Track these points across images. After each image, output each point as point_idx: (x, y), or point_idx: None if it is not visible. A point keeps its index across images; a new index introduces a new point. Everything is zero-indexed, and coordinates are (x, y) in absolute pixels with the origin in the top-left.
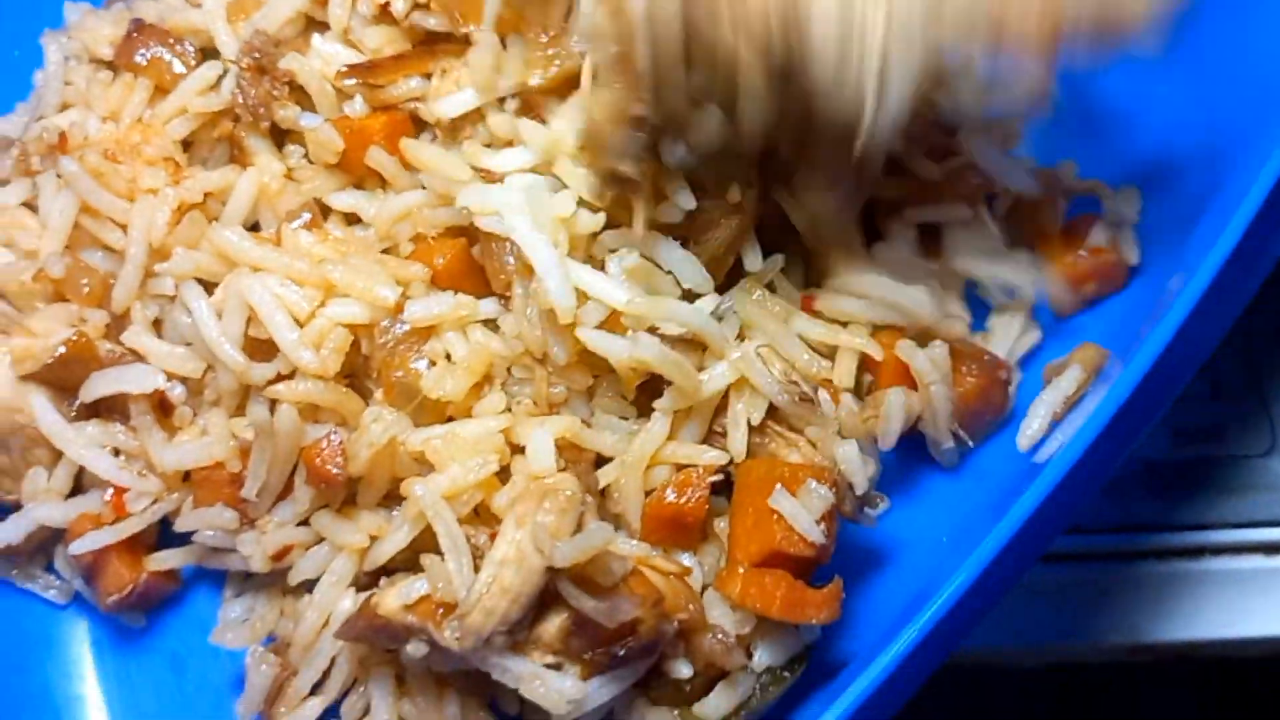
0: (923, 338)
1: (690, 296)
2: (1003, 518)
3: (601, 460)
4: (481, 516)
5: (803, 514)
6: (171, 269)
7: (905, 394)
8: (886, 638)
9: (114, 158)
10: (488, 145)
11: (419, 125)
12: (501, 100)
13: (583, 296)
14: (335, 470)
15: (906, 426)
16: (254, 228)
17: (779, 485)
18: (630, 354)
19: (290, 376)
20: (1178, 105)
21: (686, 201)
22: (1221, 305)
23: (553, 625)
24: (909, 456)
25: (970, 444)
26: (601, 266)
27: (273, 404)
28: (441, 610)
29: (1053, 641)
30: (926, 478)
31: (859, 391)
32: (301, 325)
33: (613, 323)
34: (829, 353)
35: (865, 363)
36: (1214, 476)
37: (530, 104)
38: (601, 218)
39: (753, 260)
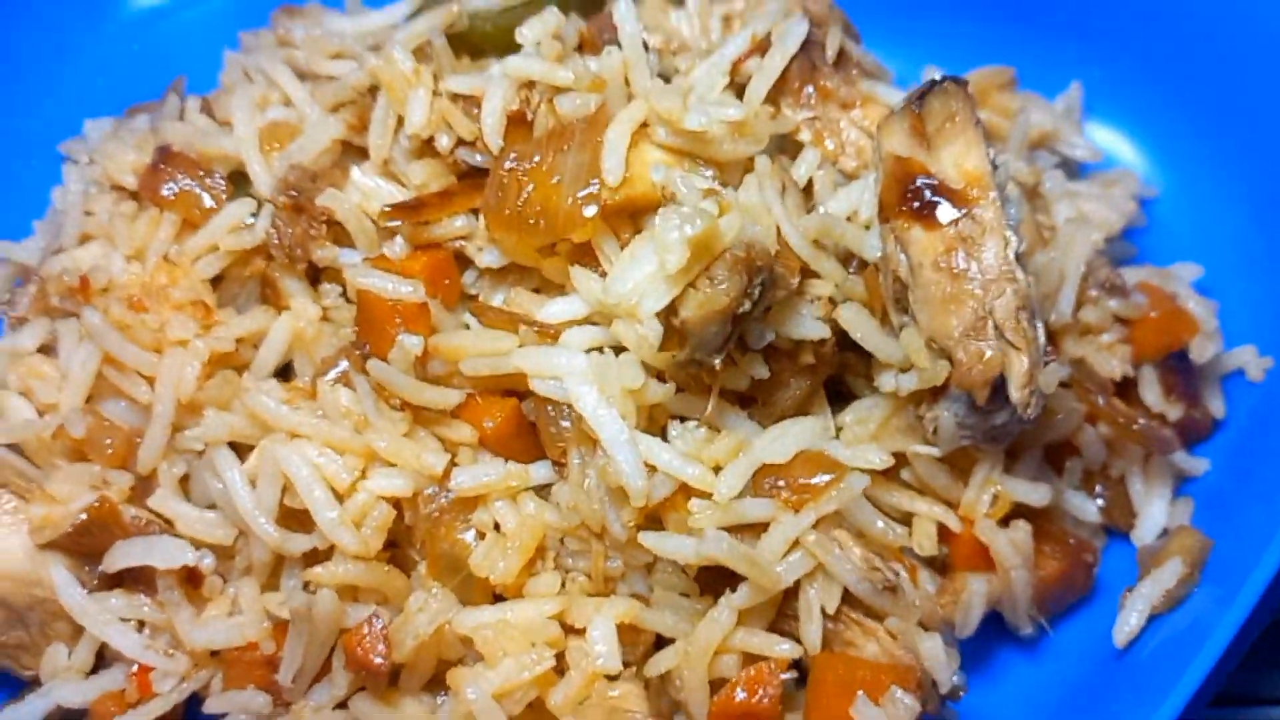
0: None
1: None
2: None
3: (661, 640)
4: (534, 709)
5: None
6: (204, 435)
7: (986, 581)
8: None
9: (140, 306)
10: (536, 290)
11: (463, 264)
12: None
13: (649, 468)
14: (378, 660)
15: (985, 612)
16: (285, 370)
17: (860, 692)
18: (697, 554)
19: (328, 553)
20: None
21: (761, 372)
22: None
23: None
24: (984, 630)
25: (1050, 631)
26: (662, 430)
27: (308, 584)
28: None
29: None
30: (1003, 655)
31: (933, 563)
32: (341, 499)
33: (676, 499)
34: (903, 518)
35: (940, 534)
36: None
37: (581, 248)
38: (671, 388)
39: (824, 427)
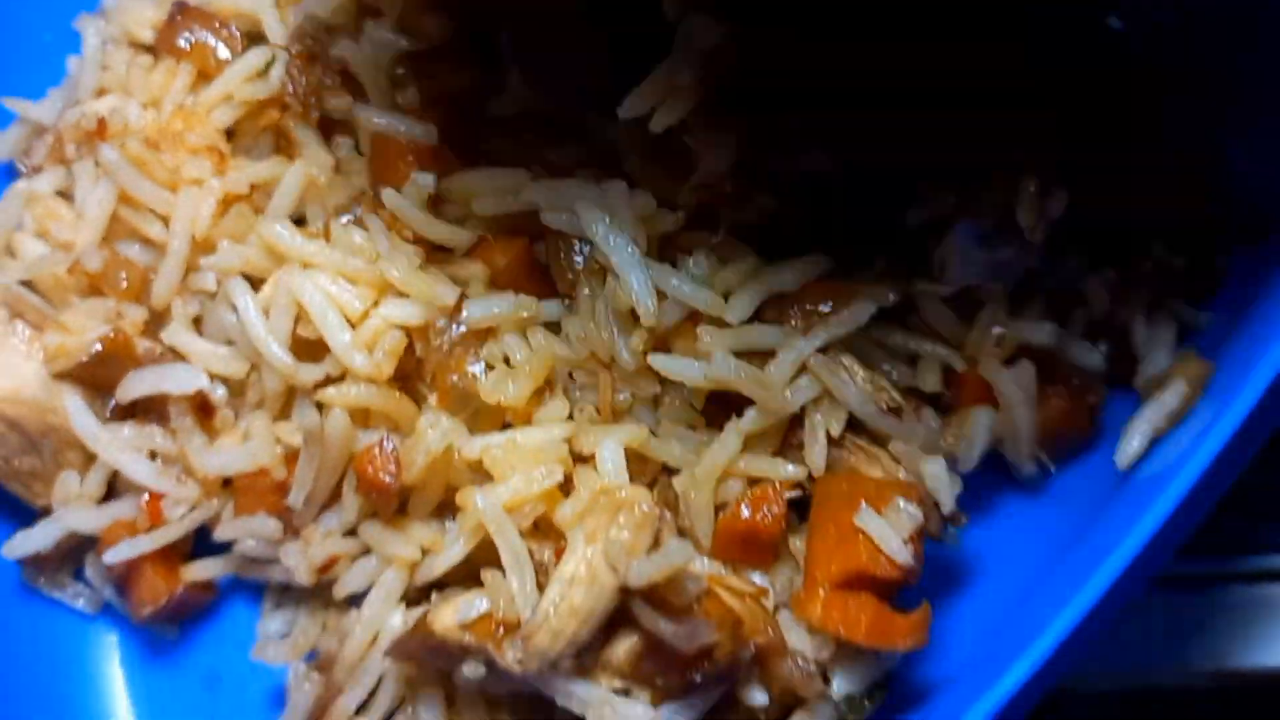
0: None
1: None
2: (1111, 546)
3: (668, 471)
4: (541, 529)
5: (890, 534)
6: (217, 264)
7: (991, 415)
8: (978, 666)
9: (156, 145)
10: None
11: None
12: None
13: (659, 295)
14: (388, 479)
15: (988, 447)
16: (299, 221)
17: (864, 502)
18: (705, 376)
19: (340, 379)
20: None
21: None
22: None
23: (623, 648)
24: (985, 470)
25: (1052, 469)
26: (673, 263)
27: (320, 407)
28: (502, 630)
29: (1137, 665)
30: (1004, 494)
31: (937, 404)
32: (354, 326)
33: (685, 328)
34: (908, 361)
35: (945, 379)
36: None
37: None
38: (681, 216)
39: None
